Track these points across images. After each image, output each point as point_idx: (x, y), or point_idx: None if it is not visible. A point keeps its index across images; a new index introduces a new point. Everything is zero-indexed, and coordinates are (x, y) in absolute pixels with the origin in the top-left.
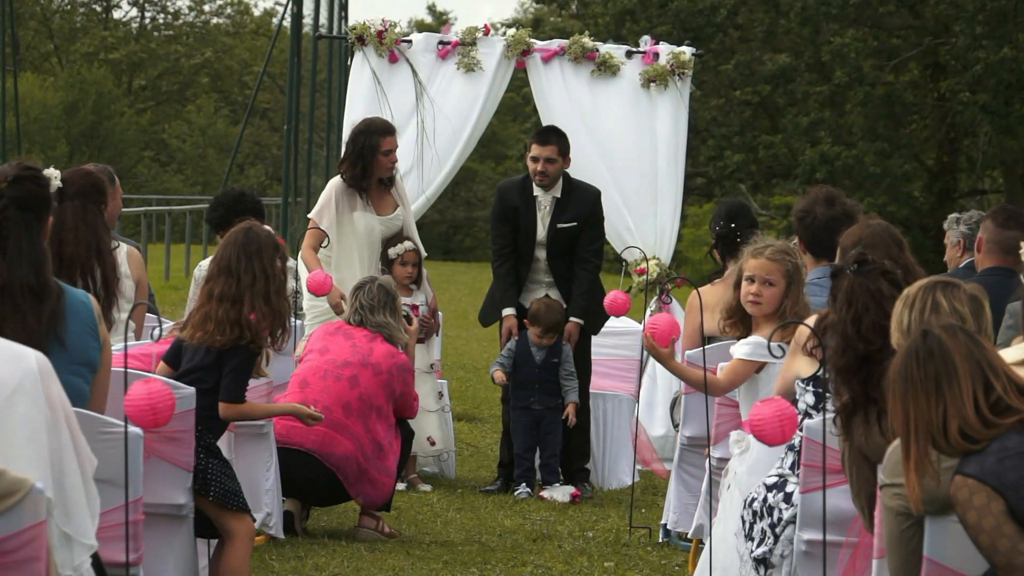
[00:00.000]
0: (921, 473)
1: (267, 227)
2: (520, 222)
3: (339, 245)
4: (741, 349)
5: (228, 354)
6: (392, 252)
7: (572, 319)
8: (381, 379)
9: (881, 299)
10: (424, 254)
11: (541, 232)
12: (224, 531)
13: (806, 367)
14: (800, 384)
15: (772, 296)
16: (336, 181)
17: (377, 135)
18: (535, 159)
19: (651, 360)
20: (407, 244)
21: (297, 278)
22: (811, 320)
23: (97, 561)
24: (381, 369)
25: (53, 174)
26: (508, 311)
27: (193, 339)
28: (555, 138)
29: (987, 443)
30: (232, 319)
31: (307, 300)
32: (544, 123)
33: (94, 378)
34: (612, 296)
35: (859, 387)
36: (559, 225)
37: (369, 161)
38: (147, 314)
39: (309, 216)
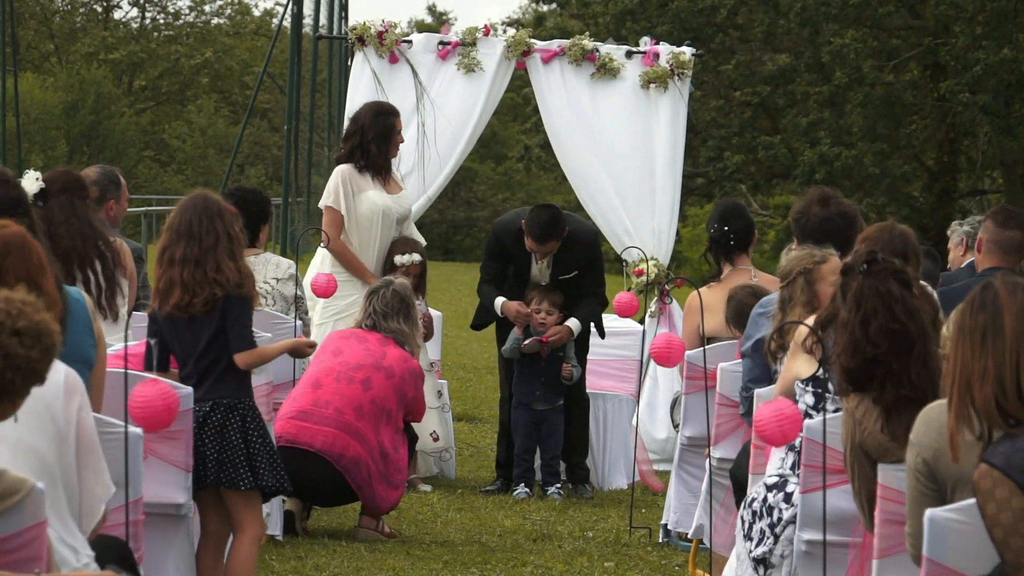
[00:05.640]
0: (961, 424)
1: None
2: (516, 266)
3: (353, 231)
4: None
5: (226, 308)
6: (399, 260)
7: (568, 323)
8: (393, 383)
9: (890, 301)
10: (423, 242)
11: (540, 280)
12: (238, 526)
13: (805, 368)
14: (799, 385)
15: None
16: (343, 168)
17: (393, 116)
18: (533, 250)
19: (652, 361)
20: (415, 257)
21: (299, 282)
22: (810, 319)
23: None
24: (394, 373)
25: (34, 175)
26: (501, 299)
27: (164, 310)
28: (553, 232)
29: (1020, 432)
30: (199, 280)
31: (322, 300)
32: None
33: (90, 375)
34: (619, 297)
35: (864, 386)
36: (560, 277)
37: (391, 140)
38: (143, 313)
39: (327, 205)
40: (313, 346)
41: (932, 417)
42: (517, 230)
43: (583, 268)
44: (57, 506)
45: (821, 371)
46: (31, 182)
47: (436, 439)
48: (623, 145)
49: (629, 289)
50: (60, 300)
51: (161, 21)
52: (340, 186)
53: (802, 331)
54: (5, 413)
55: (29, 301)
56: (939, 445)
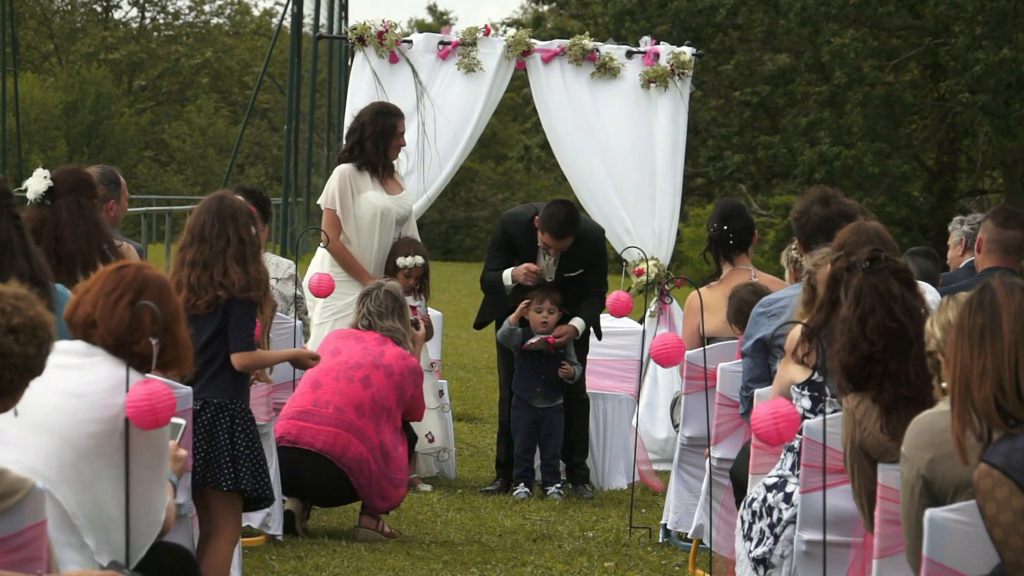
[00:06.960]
0: (963, 424)
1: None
2: (522, 260)
3: (352, 231)
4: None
5: (229, 308)
6: (401, 262)
7: (573, 322)
8: (393, 381)
9: (890, 299)
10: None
11: (546, 276)
12: (214, 527)
13: (800, 372)
14: (795, 389)
15: None
16: (344, 167)
17: (395, 116)
18: (548, 246)
19: (652, 361)
20: (418, 259)
21: (299, 282)
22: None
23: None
24: (393, 371)
25: (42, 174)
26: (508, 270)
27: None
28: (571, 228)
29: (1020, 432)
30: (204, 283)
31: (321, 300)
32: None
33: None
34: (615, 296)
35: (862, 385)
36: (566, 275)
37: (389, 141)
38: None
39: (326, 206)
40: (315, 358)
41: (922, 428)
42: (527, 223)
43: (588, 266)
44: (79, 508)
45: (816, 374)
46: (39, 181)
47: (431, 440)
48: (623, 145)
49: (628, 289)
50: (192, 351)
51: (161, 21)
52: (338, 186)
53: (793, 338)
54: (4, 407)
55: (22, 295)
56: (934, 454)
